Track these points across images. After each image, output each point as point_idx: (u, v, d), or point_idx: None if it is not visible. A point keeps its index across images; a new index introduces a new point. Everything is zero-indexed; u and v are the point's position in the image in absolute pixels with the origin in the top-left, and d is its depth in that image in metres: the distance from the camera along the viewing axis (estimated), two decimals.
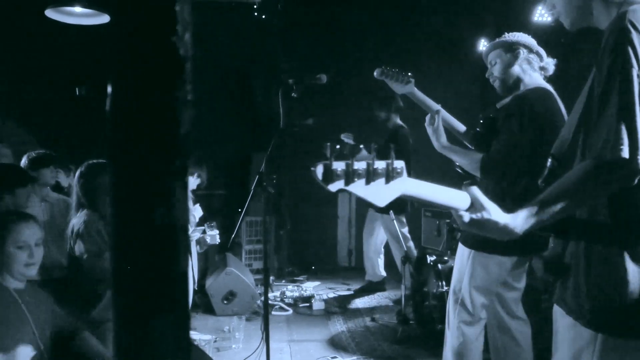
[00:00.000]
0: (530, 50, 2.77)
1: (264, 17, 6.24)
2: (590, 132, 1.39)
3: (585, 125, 1.48)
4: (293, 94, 3.12)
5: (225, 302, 4.89)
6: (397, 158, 1.28)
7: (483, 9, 5.54)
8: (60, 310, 2.51)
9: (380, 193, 1.24)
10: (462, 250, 2.90)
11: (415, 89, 2.99)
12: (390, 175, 1.24)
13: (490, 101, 6.53)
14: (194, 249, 3.91)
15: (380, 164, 1.23)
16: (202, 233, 3.88)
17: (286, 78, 3.21)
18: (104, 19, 4.92)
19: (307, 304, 5.19)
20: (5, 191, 3.29)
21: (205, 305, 5.00)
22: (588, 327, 1.44)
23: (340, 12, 5.91)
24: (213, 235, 3.88)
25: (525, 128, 2.60)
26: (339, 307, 5.22)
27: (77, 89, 6.61)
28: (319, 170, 1.17)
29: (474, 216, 1.37)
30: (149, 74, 0.55)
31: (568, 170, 1.45)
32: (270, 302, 3.58)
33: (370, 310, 5.12)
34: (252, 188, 3.17)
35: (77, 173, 2.97)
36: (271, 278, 5.62)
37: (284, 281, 6.08)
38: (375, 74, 2.97)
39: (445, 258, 3.93)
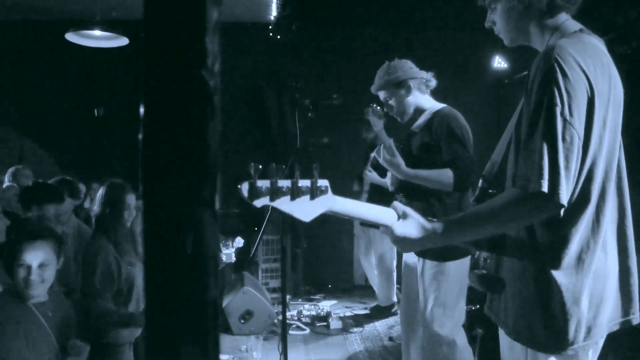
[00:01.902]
0: (416, 79, 2.99)
1: (278, 37, 6.31)
2: (517, 161, 1.48)
3: (515, 150, 1.55)
4: (310, 115, 3.19)
5: (242, 321, 4.88)
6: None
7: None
8: (74, 316, 2.54)
9: (305, 209, 1.32)
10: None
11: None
12: (314, 192, 1.31)
13: (508, 115, 6.51)
14: None
15: (304, 182, 1.31)
16: None
17: (302, 99, 3.26)
18: (122, 41, 5.02)
19: (324, 323, 5.17)
20: (33, 205, 3.38)
21: (222, 325, 4.99)
22: (517, 340, 1.54)
23: (353, 32, 5.97)
24: (228, 254, 3.90)
25: (463, 137, 2.84)
26: (356, 326, 5.18)
27: (95, 110, 6.72)
28: (244, 187, 1.26)
29: (403, 226, 1.45)
30: (180, 106, 0.56)
31: (497, 191, 1.62)
32: (287, 321, 3.58)
33: (388, 329, 5.08)
34: (269, 210, 3.18)
35: (100, 192, 3.02)
36: (288, 297, 5.61)
37: (300, 300, 6.07)
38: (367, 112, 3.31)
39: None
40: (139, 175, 0.60)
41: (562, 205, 1.36)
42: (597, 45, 1.51)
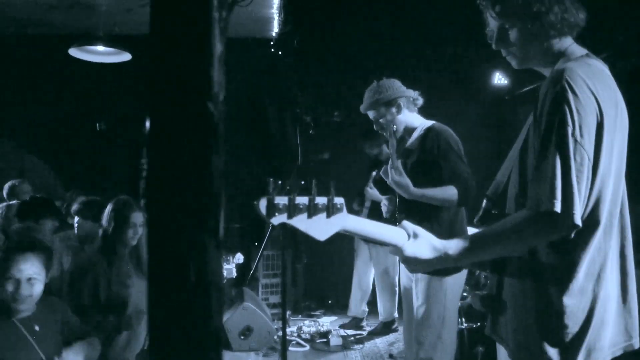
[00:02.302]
0: (404, 97, 3.02)
1: (280, 52, 6.34)
2: (527, 182, 1.50)
3: (519, 172, 1.58)
4: (310, 131, 3.20)
5: (242, 337, 4.85)
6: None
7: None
8: (74, 319, 2.51)
9: (321, 227, 1.30)
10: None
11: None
12: (330, 210, 1.29)
13: (508, 132, 6.51)
14: None
15: (321, 200, 1.29)
16: None
17: (303, 115, 3.28)
18: (125, 57, 5.05)
19: (324, 340, 5.14)
20: (30, 219, 3.39)
21: (223, 338, 4.96)
22: None
23: (355, 48, 6.00)
24: (229, 270, 3.89)
25: (460, 153, 2.89)
26: (357, 343, 5.15)
27: (97, 124, 6.74)
28: (262, 204, 1.24)
29: (414, 246, 1.44)
30: (185, 138, 0.57)
31: (500, 211, 1.63)
32: (287, 337, 3.56)
33: (388, 346, 5.05)
34: (270, 225, 3.18)
35: (108, 208, 3.01)
36: (288, 313, 5.58)
37: (300, 316, 6.04)
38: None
39: (465, 294, 3.88)
40: (139, 192, 0.61)
41: (577, 226, 1.37)
42: (603, 70, 1.54)
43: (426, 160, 2.91)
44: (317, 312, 6.17)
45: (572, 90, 1.40)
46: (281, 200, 1.25)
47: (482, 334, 3.66)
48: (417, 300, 2.98)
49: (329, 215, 1.29)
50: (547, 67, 1.62)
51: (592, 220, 1.45)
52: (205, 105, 0.56)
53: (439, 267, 1.49)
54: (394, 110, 3.02)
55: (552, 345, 1.47)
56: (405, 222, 1.48)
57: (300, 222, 1.26)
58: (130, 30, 5.40)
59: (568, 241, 1.43)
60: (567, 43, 1.59)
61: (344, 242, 6.44)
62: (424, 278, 2.93)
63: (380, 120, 3.05)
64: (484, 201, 1.72)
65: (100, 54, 4.95)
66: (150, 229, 0.60)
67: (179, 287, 0.57)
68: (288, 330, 5.25)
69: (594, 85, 1.43)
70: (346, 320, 5.73)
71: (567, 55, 1.57)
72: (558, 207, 1.35)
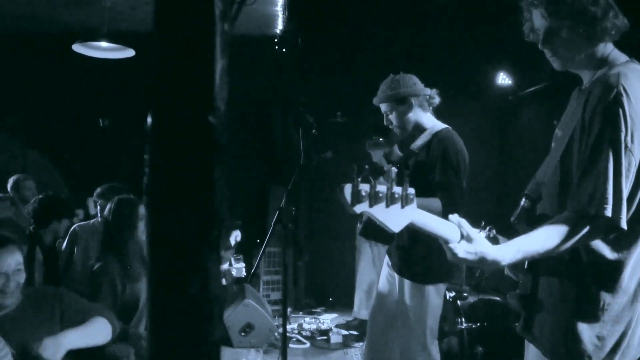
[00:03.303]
0: (418, 96, 2.96)
1: (284, 50, 6.33)
2: (569, 182, 1.54)
3: (561, 172, 1.60)
4: (313, 131, 3.19)
5: (242, 334, 4.87)
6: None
7: (499, 42, 5.58)
8: (75, 301, 2.42)
9: (396, 218, 1.27)
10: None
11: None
12: (404, 201, 1.26)
13: (511, 132, 6.50)
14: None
15: (397, 189, 1.26)
16: (228, 265, 3.90)
17: (306, 115, 3.27)
18: (129, 53, 5.05)
19: (325, 337, 5.15)
20: (54, 219, 3.43)
21: (222, 337, 4.98)
22: None
23: (358, 47, 5.99)
24: (239, 268, 3.90)
25: (458, 166, 2.82)
26: (357, 340, 5.16)
27: (100, 120, 6.74)
28: (347, 190, 1.20)
29: (467, 249, 1.43)
30: (187, 152, 0.58)
31: (540, 210, 1.65)
32: (287, 334, 3.58)
33: None
34: (273, 224, 3.19)
35: (108, 208, 3.01)
36: (289, 310, 5.60)
37: (301, 313, 6.06)
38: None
39: (465, 294, 3.89)
40: (142, 188, 0.61)
41: (623, 229, 1.42)
42: None
43: (427, 164, 2.89)
44: (318, 310, 6.18)
45: (627, 95, 1.43)
46: (364, 188, 1.21)
47: (482, 334, 3.69)
48: (400, 308, 2.97)
49: (403, 206, 1.26)
50: (589, 70, 1.63)
51: (636, 222, 1.48)
52: (208, 121, 0.57)
53: (488, 269, 1.51)
54: (404, 107, 2.97)
55: (592, 343, 1.50)
56: (462, 222, 1.46)
57: (379, 212, 1.24)
58: (134, 27, 5.40)
59: (613, 241, 1.48)
60: (610, 48, 1.61)
61: (345, 239, 6.45)
62: (408, 285, 2.92)
63: (390, 115, 3.02)
64: (523, 199, 1.72)
65: (103, 49, 4.96)
66: (151, 245, 0.61)
67: (180, 302, 0.58)
68: (289, 327, 5.27)
69: None
70: (349, 319, 5.74)
71: (611, 60, 1.59)
72: (609, 212, 1.40)
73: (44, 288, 2.47)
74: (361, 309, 5.61)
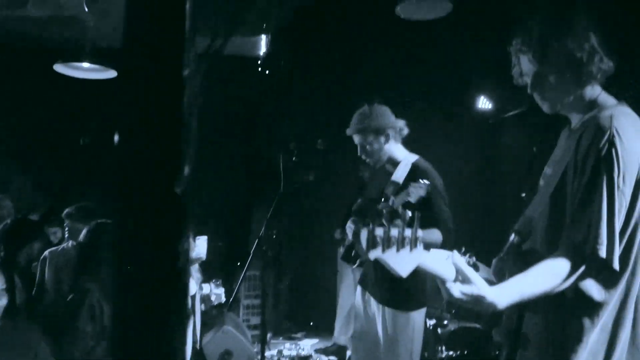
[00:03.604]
0: (394, 127, 3.05)
1: (267, 72, 6.35)
2: (560, 220, 1.56)
3: (551, 210, 1.63)
4: (294, 158, 3.21)
5: None
6: None
7: (480, 66, 5.65)
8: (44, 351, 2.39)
9: (405, 262, 1.25)
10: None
11: None
12: (413, 244, 1.24)
13: (492, 155, 6.55)
14: (198, 306, 3.81)
15: (407, 232, 1.24)
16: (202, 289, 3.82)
17: (289, 136, 3.27)
18: (111, 74, 5.01)
19: None
20: (25, 243, 3.36)
21: None
22: None
23: (341, 70, 6.02)
24: (218, 294, 3.82)
25: (444, 195, 2.95)
26: None
27: (81, 138, 6.67)
28: (363, 236, 1.18)
29: (463, 290, 1.42)
30: (152, 222, 0.56)
31: (529, 246, 1.66)
32: None
33: None
34: (252, 252, 3.17)
35: (83, 233, 2.95)
36: (269, 335, 5.51)
37: (281, 338, 5.97)
38: None
39: (445, 322, 3.86)
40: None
41: (616, 270, 1.45)
42: (637, 117, 1.61)
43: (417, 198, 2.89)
44: (299, 335, 6.10)
45: (619, 137, 1.47)
46: (379, 233, 1.20)
47: None
48: (385, 333, 2.98)
49: (411, 249, 1.25)
50: (578, 113, 1.68)
51: (624, 262, 1.50)
52: (174, 191, 0.55)
53: (484, 311, 1.49)
54: (382, 138, 3.04)
55: None
56: (457, 261, 1.44)
57: (390, 257, 1.22)
58: (117, 46, 5.37)
59: (600, 281, 1.50)
60: (598, 91, 1.65)
61: (326, 262, 6.41)
62: (392, 314, 2.95)
63: (367, 147, 3.06)
64: (512, 235, 1.72)
65: (85, 70, 4.91)
66: (116, 262, 0.59)
67: (146, 316, 0.56)
68: (268, 353, 5.18)
69: (637, 133, 1.51)
70: (328, 344, 5.66)
71: (600, 103, 1.63)
72: (603, 252, 1.43)
73: (21, 324, 2.42)
74: (341, 334, 5.55)
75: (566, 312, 1.56)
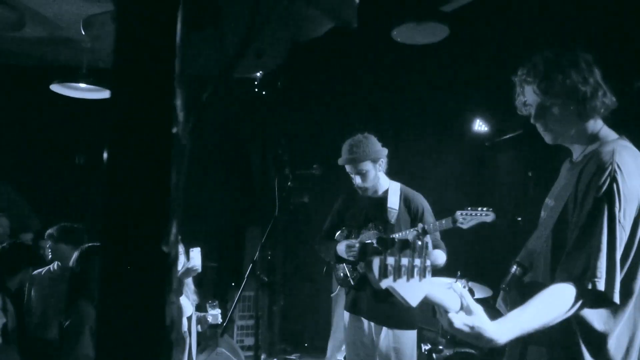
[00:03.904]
0: (385, 156, 3.18)
1: (263, 92, 6.36)
2: (567, 254, 1.55)
3: (553, 243, 1.64)
4: (289, 184, 3.24)
5: None
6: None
7: (476, 89, 5.68)
8: None
9: (414, 291, 1.25)
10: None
11: None
12: (422, 273, 1.24)
13: (488, 177, 6.54)
14: (194, 328, 3.76)
15: (417, 262, 1.24)
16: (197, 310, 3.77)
17: (283, 158, 3.28)
18: (107, 94, 5.02)
19: None
20: (21, 268, 3.35)
21: None
22: None
23: (338, 92, 6.05)
24: (215, 315, 3.78)
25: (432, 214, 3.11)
26: None
27: (76, 157, 6.66)
28: (375, 264, 1.18)
29: (465, 322, 1.40)
30: (137, 278, 0.55)
31: (531, 278, 1.67)
32: None
33: None
34: (246, 276, 3.15)
35: (74, 258, 2.91)
36: (262, 356, 5.45)
37: (275, 359, 5.90)
38: None
39: (441, 347, 3.83)
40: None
41: (615, 303, 1.46)
42: (637, 152, 1.63)
43: (410, 219, 3.09)
44: (293, 356, 6.04)
45: (621, 172, 1.49)
46: (391, 262, 1.20)
47: None
48: (388, 355, 3.01)
49: (420, 279, 1.25)
50: (580, 145, 1.70)
51: (625, 294, 1.50)
52: (160, 248, 0.54)
53: (483, 345, 1.47)
54: (378, 166, 3.12)
55: None
56: (463, 292, 1.43)
57: (401, 287, 1.22)
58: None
59: (603, 313, 1.51)
60: (600, 125, 1.68)
61: (321, 283, 6.37)
62: (395, 334, 3.01)
63: (364, 174, 3.11)
64: (514, 267, 1.72)
65: (81, 90, 4.92)
66: (102, 279, 0.58)
67: (131, 328, 0.55)
68: None
69: (637, 167, 1.53)
70: None
71: (602, 137, 1.66)
72: (602, 286, 1.43)
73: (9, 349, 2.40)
74: (333, 353, 5.49)
75: (570, 345, 1.54)
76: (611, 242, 1.46)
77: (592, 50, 1.69)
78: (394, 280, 1.20)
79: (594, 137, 1.67)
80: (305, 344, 6.44)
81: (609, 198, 1.48)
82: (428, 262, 1.26)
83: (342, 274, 3.26)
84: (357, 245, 3.06)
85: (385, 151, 3.18)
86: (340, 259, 3.20)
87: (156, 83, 0.60)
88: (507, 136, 6.02)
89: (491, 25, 4.60)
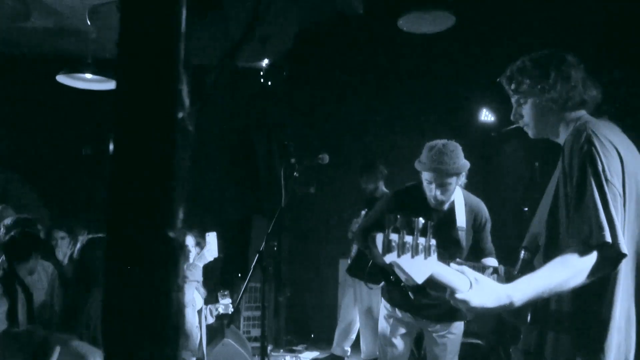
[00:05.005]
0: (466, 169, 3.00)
1: (269, 83, 6.35)
2: (557, 235, 1.61)
3: (549, 226, 1.68)
4: (295, 174, 3.19)
5: None
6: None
7: (482, 80, 5.66)
8: None
9: (419, 268, 1.28)
10: None
11: None
12: (427, 252, 1.28)
13: (494, 168, 6.52)
14: (204, 322, 3.76)
15: (421, 240, 1.27)
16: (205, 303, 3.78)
17: (289, 149, 3.26)
18: (113, 85, 5.00)
19: None
20: (32, 255, 3.39)
21: None
22: None
23: (344, 80, 6.03)
24: (226, 305, 3.79)
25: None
26: None
27: (82, 148, 6.67)
28: (379, 240, 1.23)
29: (481, 296, 1.43)
30: (144, 267, 0.55)
31: (538, 260, 1.69)
32: None
33: None
34: (252, 267, 3.16)
35: (78, 247, 2.94)
36: (269, 347, 5.46)
37: (282, 350, 5.93)
38: None
39: None
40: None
41: (625, 255, 1.47)
42: (615, 126, 1.71)
43: (472, 234, 3.00)
44: (299, 347, 6.06)
45: (597, 136, 1.57)
46: (394, 238, 1.23)
47: None
48: (434, 352, 3.02)
49: (425, 257, 1.28)
50: (561, 137, 1.76)
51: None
52: (166, 233, 0.54)
53: (502, 309, 1.49)
54: (459, 180, 2.88)
55: None
56: (465, 269, 1.47)
57: (406, 262, 1.25)
58: None
59: (600, 283, 1.52)
60: (578, 116, 1.73)
61: (327, 274, 6.38)
62: (440, 327, 3.00)
63: (445, 187, 2.83)
64: (522, 252, 1.77)
65: (87, 81, 4.93)
66: (107, 270, 0.58)
67: (136, 317, 0.56)
68: None
69: (611, 135, 1.60)
70: (326, 355, 5.61)
71: (581, 120, 1.71)
72: (608, 237, 1.45)
73: (15, 332, 2.44)
74: (339, 344, 5.51)
75: (585, 328, 1.56)
76: (603, 197, 1.50)
77: (596, 37, 1.74)
78: (398, 256, 1.23)
79: (575, 123, 1.73)
80: (311, 334, 6.45)
81: (591, 159, 1.53)
82: (432, 242, 1.29)
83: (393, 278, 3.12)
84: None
85: (468, 164, 2.88)
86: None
87: (162, 68, 0.60)
88: (514, 126, 5.99)
89: (497, 15, 4.56)
